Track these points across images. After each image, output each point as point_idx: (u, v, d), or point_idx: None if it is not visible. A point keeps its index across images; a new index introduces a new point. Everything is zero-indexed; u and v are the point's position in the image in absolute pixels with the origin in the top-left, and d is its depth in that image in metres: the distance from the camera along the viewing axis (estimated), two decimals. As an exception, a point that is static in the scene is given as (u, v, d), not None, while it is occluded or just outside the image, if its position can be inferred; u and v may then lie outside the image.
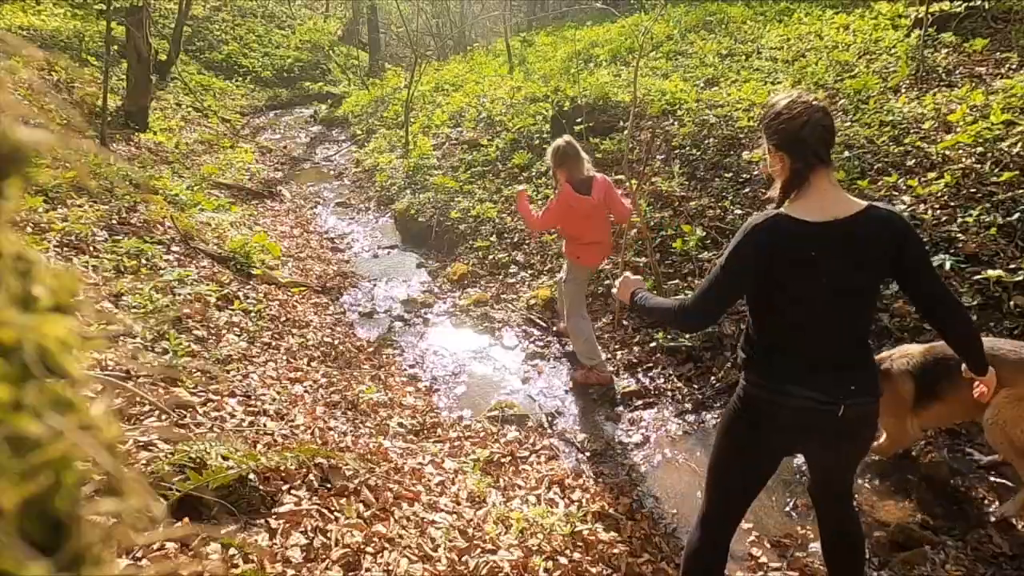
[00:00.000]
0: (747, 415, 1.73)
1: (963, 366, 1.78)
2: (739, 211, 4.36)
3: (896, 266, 1.60)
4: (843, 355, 1.65)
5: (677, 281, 4.14)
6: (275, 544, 1.81)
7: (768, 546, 2.46)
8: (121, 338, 2.76)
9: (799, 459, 2.92)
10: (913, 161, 4.02)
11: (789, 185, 1.64)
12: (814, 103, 1.62)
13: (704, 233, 4.28)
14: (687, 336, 3.71)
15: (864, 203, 1.60)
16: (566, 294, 3.72)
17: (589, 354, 3.61)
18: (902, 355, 2.54)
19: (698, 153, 5.22)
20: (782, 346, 1.68)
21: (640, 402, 3.48)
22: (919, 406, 2.49)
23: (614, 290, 2.08)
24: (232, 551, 1.68)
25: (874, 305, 1.74)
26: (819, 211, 1.58)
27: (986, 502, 2.53)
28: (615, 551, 2.36)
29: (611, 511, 2.60)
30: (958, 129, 3.97)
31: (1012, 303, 3.02)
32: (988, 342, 2.12)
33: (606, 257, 3.88)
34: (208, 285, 3.76)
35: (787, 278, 1.62)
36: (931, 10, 5.30)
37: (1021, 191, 3.41)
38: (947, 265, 3.20)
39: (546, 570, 2.13)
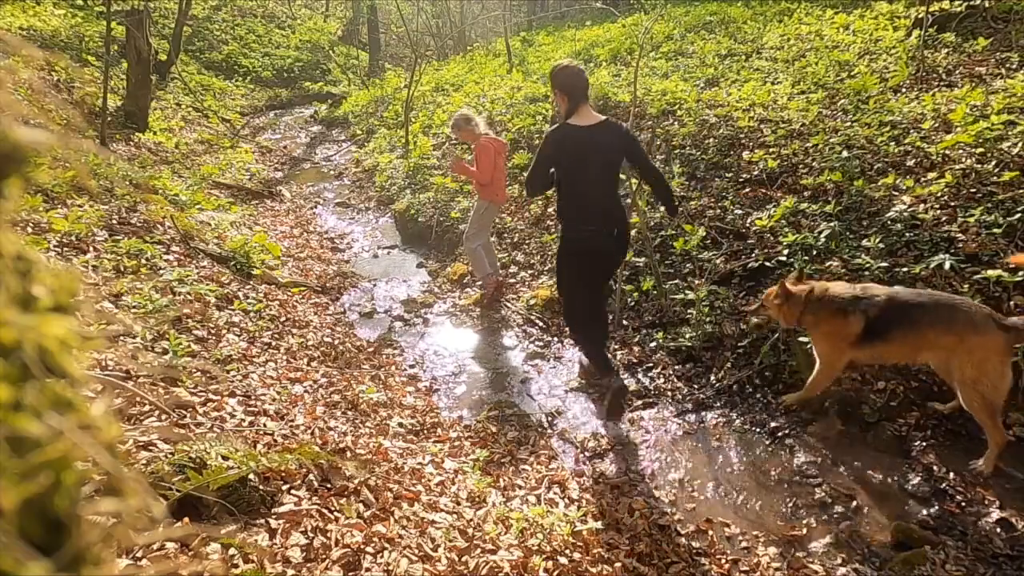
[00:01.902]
0: (569, 248, 3.20)
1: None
2: (739, 211, 4.36)
3: (628, 155, 3.06)
4: (605, 205, 3.08)
5: (677, 281, 4.14)
6: (275, 544, 1.81)
7: (768, 546, 2.46)
8: (121, 338, 2.76)
9: (799, 459, 2.92)
10: (913, 161, 4.02)
11: (568, 112, 3.05)
12: (578, 66, 3.09)
13: (704, 233, 4.28)
14: (687, 336, 3.72)
15: (604, 117, 3.06)
16: (479, 225, 4.66)
17: (481, 270, 4.66)
18: (866, 295, 2.78)
19: (698, 153, 5.22)
20: (575, 205, 3.10)
21: (640, 402, 3.48)
22: (863, 343, 2.76)
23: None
24: (232, 551, 1.68)
25: (618, 177, 3.15)
26: (584, 121, 3.01)
27: (986, 502, 2.53)
28: (615, 551, 2.36)
29: (611, 511, 2.60)
30: (958, 129, 3.97)
31: (1012, 303, 3.02)
32: (942, 295, 2.67)
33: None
34: (208, 285, 3.76)
35: (571, 161, 3.01)
36: (931, 10, 5.30)
37: (1021, 191, 3.41)
38: (947, 265, 3.20)
39: (546, 570, 2.13)
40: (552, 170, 3.10)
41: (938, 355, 2.67)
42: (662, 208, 4.21)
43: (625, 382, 3.43)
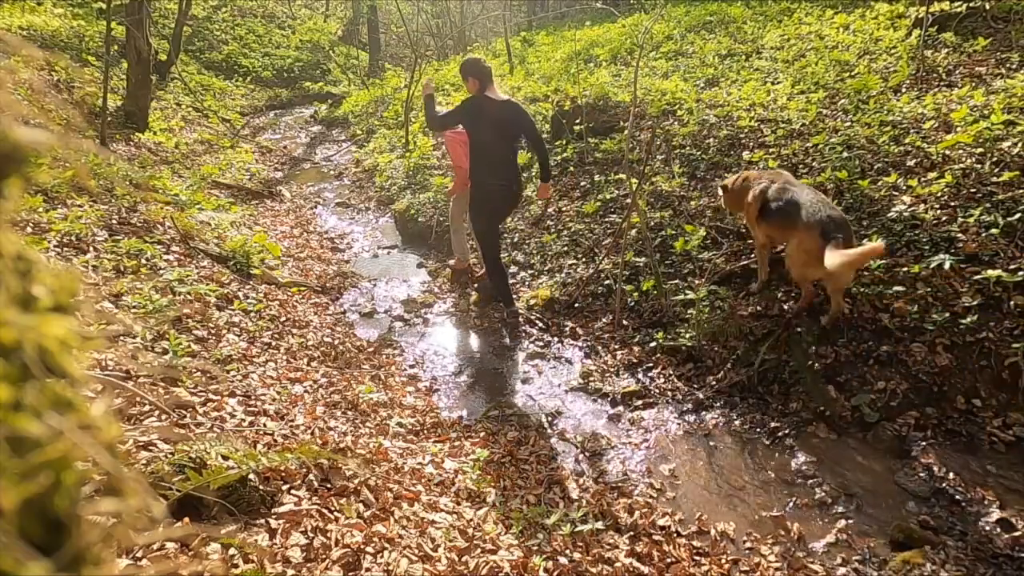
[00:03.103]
0: (484, 198, 4.11)
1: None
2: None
3: (523, 129, 3.97)
4: (509, 165, 4.03)
5: (677, 281, 4.14)
6: (275, 544, 1.81)
7: (768, 545, 2.46)
8: (121, 338, 2.76)
9: (799, 459, 2.92)
10: (913, 161, 4.02)
11: (480, 90, 3.91)
12: (483, 58, 4.09)
13: (705, 233, 4.28)
14: (687, 336, 3.72)
15: (507, 96, 4.02)
16: (468, 210, 4.83)
17: (462, 251, 5.12)
18: (760, 180, 3.60)
19: (698, 153, 5.22)
20: (486, 163, 3.98)
21: (640, 402, 3.48)
22: (759, 220, 3.54)
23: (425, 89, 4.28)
24: (232, 551, 1.68)
25: (518, 144, 4.14)
26: (493, 95, 3.90)
27: (986, 502, 2.53)
28: (615, 551, 2.36)
29: (611, 511, 2.60)
30: (958, 129, 3.97)
31: (1012, 303, 3.02)
32: (805, 198, 3.25)
33: None
34: (208, 285, 3.76)
35: (481, 128, 3.91)
36: (931, 10, 5.30)
37: (1021, 191, 3.41)
38: (947, 265, 3.20)
39: (546, 570, 2.13)
40: (459, 125, 4.16)
41: (787, 239, 3.39)
42: (663, 211, 4.25)
43: (518, 309, 4.42)
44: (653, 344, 3.85)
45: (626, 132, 5.48)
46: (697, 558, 2.41)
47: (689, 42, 8.24)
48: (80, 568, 0.33)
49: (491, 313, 4.64)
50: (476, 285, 4.96)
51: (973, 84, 4.55)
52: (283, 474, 2.12)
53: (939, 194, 3.65)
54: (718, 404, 3.37)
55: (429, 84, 4.27)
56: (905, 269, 3.35)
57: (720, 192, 3.91)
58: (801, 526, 2.56)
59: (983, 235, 3.30)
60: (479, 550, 2.16)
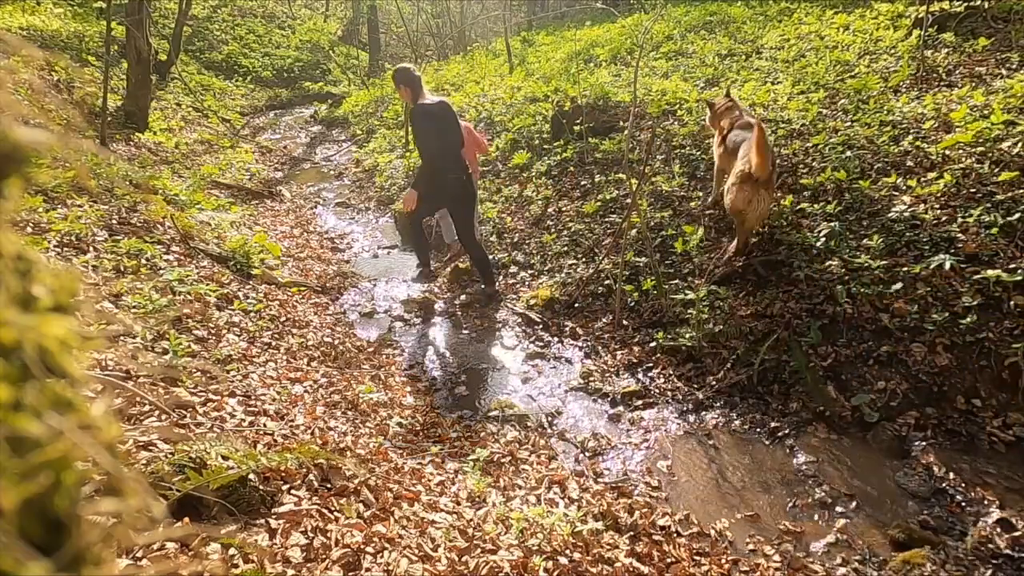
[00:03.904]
0: (426, 180, 4.29)
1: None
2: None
3: (456, 123, 4.26)
4: (453, 157, 4.26)
5: (677, 281, 4.14)
6: (275, 544, 1.81)
7: (768, 546, 2.47)
8: (121, 338, 2.76)
9: (799, 459, 2.92)
10: (913, 161, 4.01)
11: (414, 97, 4.21)
12: (412, 66, 4.38)
13: (704, 233, 4.28)
14: (687, 336, 3.72)
15: (441, 96, 4.58)
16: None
17: (452, 236, 5.30)
18: (733, 110, 4.31)
19: (698, 153, 5.22)
20: (431, 157, 4.22)
21: (640, 402, 3.48)
22: (721, 142, 4.21)
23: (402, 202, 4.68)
24: (232, 551, 1.68)
25: (460, 139, 4.32)
26: (431, 100, 4.19)
27: (986, 502, 2.53)
28: (615, 551, 2.36)
29: (611, 511, 2.60)
30: (958, 129, 3.97)
31: (1012, 303, 3.02)
32: (744, 137, 3.87)
33: None
34: (208, 285, 3.76)
35: (426, 129, 4.15)
36: (931, 10, 5.30)
37: (1021, 191, 3.41)
38: (947, 265, 3.20)
39: (546, 570, 2.13)
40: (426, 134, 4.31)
41: (730, 170, 3.88)
42: (663, 211, 4.30)
43: (432, 270, 4.98)
44: (653, 344, 3.85)
45: (626, 132, 5.48)
46: (697, 558, 2.41)
47: (689, 42, 8.24)
48: (80, 568, 0.33)
49: (491, 313, 4.64)
50: (449, 256, 5.50)
51: (973, 84, 4.55)
52: (283, 474, 2.12)
53: (939, 194, 3.65)
54: (718, 404, 3.37)
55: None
56: (905, 269, 3.35)
57: (708, 108, 4.51)
58: (801, 526, 2.56)
59: (983, 235, 3.30)
60: (479, 550, 2.16)
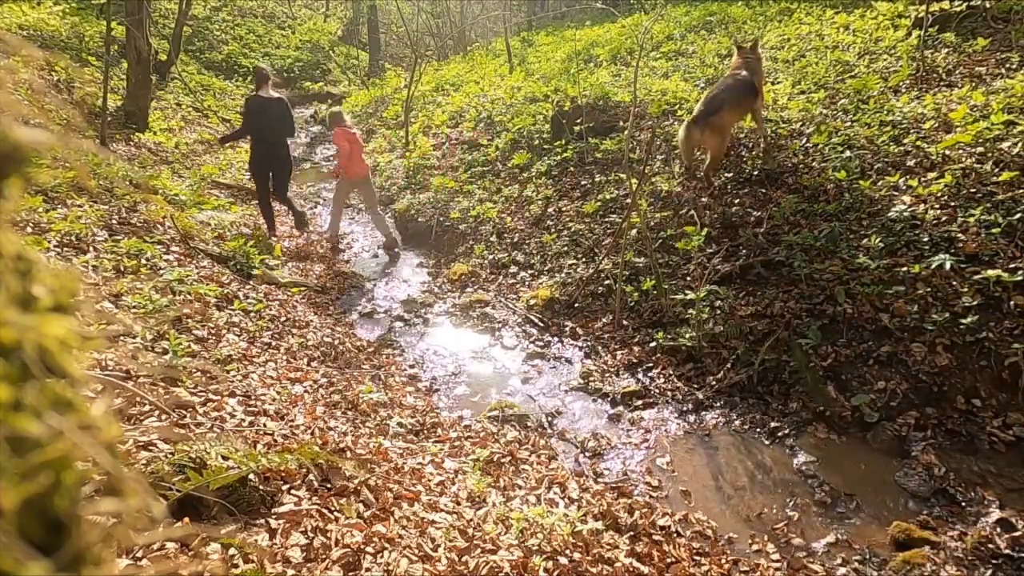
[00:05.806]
0: (256, 158, 5.67)
1: None
2: (737, 208, 4.36)
3: (287, 117, 5.75)
4: (278, 141, 5.71)
5: (677, 280, 4.14)
6: (275, 544, 1.81)
7: (768, 546, 2.46)
8: (121, 338, 2.76)
9: (799, 459, 2.92)
10: (913, 161, 4.01)
11: (258, 88, 5.61)
12: (265, 67, 5.95)
13: (705, 233, 4.28)
14: (687, 336, 3.72)
15: (278, 94, 5.80)
16: (341, 193, 6.23)
17: (333, 230, 6.19)
18: (747, 70, 4.79)
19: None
20: (258, 140, 5.62)
21: (640, 402, 3.48)
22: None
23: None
24: (232, 551, 1.68)
25: (287, 128, 5.73)
26: (265, 95, 5.59)
27: (986, 502, 2.53)
28: (615, 551, 2.36)
29: (611, 511, 2.60)
30: (958, 129, 3.97)
31: (1012, 303, 3.02)
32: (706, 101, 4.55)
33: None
34: (208, 285, 3.76)
35: (256, 119, 5.57)
36: (931, 10, 5.30)
37: (1021, 191, 3.41)
38: (947, 265, 3.20)
39: (546, 570, 2.13)
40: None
41: None
42: (664, 211, 4.21)
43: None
44: (653, 344, 3.85)
45: (626, 132, 5.48)
46: (697, 558, 2.41)
47: (689, 42, 8.24)
48: (80, 568, 0.33)
49: (491, 313, 4.64)
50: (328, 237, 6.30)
51: (973, 84, 4.55)
52: (283, 474, 2.12)
53: (939, 194, 3.65)
54: (718, 404, 3.37)
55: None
56: (905, 269, 3.35)
57: (735, 48, 5.07)
58: (801, 526, 2.56)
59: (983, 235, 3.30)
60: (479, 550, 2.16)
